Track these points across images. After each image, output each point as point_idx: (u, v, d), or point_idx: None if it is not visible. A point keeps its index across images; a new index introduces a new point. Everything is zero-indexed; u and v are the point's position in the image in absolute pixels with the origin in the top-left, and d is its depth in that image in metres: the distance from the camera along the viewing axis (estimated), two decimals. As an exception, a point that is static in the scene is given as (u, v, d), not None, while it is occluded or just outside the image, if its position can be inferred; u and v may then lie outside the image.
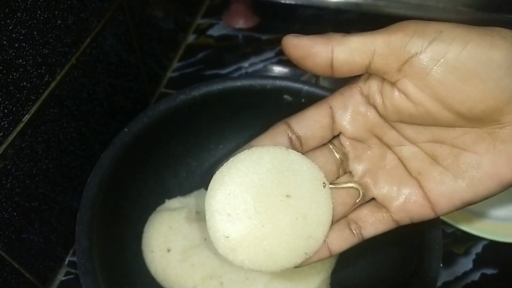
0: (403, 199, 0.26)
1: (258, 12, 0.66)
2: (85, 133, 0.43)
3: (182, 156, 0.46)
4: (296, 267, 0.25)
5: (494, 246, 0.46)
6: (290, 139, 0.26)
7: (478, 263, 0.45)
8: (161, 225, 0.40)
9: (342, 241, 0.26)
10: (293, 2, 0.64)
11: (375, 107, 0.25)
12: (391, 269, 0.37)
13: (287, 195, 0.24)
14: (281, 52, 0.62)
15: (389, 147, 0.26)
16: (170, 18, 0.59)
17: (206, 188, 0.45)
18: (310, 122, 0.26)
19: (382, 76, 0.24)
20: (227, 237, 0.24)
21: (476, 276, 0.44)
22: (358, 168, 0.27)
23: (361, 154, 0.27)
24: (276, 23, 0.66)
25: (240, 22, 0.66)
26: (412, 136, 0.25)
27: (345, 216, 0.27)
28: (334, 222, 0.26)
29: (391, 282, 0.37)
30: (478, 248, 0.46)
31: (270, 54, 0.63)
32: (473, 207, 0.47)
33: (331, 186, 0.26)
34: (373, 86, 0.25)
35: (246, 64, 0.62)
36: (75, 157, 0.42)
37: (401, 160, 0.26)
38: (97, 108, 0.44)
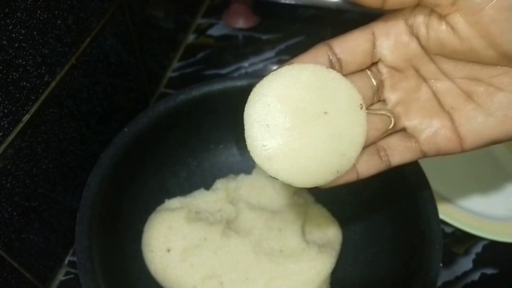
0: (433, 131, 0.26)
1: (258, 12, 0.66)
2: (85, 133, 0.43)
3: (182, 156, 0.46)
4: (324, 187, 0.26)
5: (494, 246, 0.46)
6: (330, 61, 0.26)
7: (478, 263, 0.45)
8: (161, 225, 0.40)
9: (371, 165, 0.27)
10: (293, 2, 0.64)
11: (417, 38, 0.25)
12: (391, 269, 0.37)
13: (325, 112, 0.25)
14: (281, 52, 0.63)
15: (425, 79, 0.27)
16: (170, 18, 0.59)
17: (206, 188, 0.45)
18: (351, 46, 0.26)
19: (433, 8, 0.24)
20: (265, 146, 0.24)
21: (476, 276, 0.44)
22: (392, 97, 0.27)
23: (397, 84, 0.27)
24: (276, 23, 0.66)
25: (240, 22, 0.66)
26: (450, 71, 0.26)
27: (375, 142, 0.27)
28: (364, 146, 0.26)
29: (391, 282, 0.37)
30: (478, 248, 0.46)
31: (270, 54, 0.63)
32: (473, 207, 0.48)
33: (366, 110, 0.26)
34: (419, 17, 0.25)
35: (246, 64, 0.62)
36: (75, 157, 0.42)
37: (435, 94, 0.26)
38: (97, 108, 0.44)
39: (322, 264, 0.39)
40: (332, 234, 0.42)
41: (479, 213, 0.47)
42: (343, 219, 0.44)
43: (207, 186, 0.46)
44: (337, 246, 0.42)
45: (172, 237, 0.40)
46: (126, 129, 0.39)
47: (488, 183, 0.50)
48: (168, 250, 0.39)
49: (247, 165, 0.46)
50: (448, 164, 0.51)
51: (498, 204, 0.49)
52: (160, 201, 0.44)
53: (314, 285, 0.38)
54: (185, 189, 0.45)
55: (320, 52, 0.26)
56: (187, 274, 0.39)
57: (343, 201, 0.44)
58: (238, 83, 0.42)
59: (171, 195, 0.44)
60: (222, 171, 0.47)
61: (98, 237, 0.34)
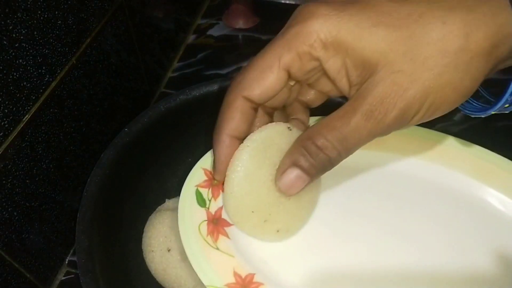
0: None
1: (258, 12, 0.66)
2: (85, 133, 0.43)
3: (182, 156, 0.46)
4: None
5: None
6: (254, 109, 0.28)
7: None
8: (161, 225, 0.40)
9: None
10: (293, 2, 0.64)
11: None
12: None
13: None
14: (281, 52, 0.63)
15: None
16: (170, 18, 0.59)
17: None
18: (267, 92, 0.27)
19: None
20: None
21: (476, 276, 0.44)
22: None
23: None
24: (276, 23, 0.66)
25: (240, 22, 0.66)
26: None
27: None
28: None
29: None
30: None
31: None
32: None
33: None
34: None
35: (246, 64, 0.62)
36: (75, 157, 0.42)
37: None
38: (97, 108, 0.44)
39: None
40: None
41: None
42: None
43: None
44: None
45: (172, 237, 0.40)
46: (126, 129, 0.39)
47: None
48: (169, 250, 0.39)
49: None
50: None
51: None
52: (161, 201, 0.44)
53: None
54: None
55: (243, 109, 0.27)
56: (187, 274, 0.39)
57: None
58: (238, 83, 0.42)
59: (171, 195, 0.44)
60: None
61: (98, 237, 0.34)
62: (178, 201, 0.43)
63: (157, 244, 0.40)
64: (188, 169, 0.47)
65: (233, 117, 0.27)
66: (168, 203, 0.43)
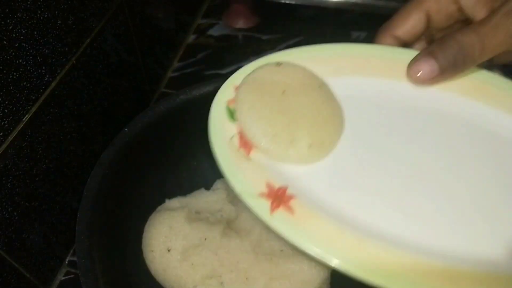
0: None
1: (258, 12, 0.66)
2: (85, 133, 0.43)
3: (182, 156, 0.46)
4: None
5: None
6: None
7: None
8: (161, 225, 0.40)
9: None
10: (293, 2, 0.64)
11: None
12: None
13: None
14: (281, 52, 0.63)
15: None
16: (170, 18, 0.59)
17: (207, 188, 0.45)
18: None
19: None
20: None
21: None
22: None
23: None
24: (276, 23, 0.66)
25: (240, 22, 0.66)
26: None
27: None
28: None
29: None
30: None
31: (270, 54, 0.62)
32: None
33: None
34: None
35: (246, 64, 0.62)
36: (75, 157, 0.42)
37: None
38: (97, 108, 0.44)
39: (322, 264, 0.39)
40: None
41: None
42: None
43: (207, 186, 0.46)
44: None
45: (172, 237, 0.40)
46: (126, 129, 0.39)
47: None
48: (169, 250, 0.39)
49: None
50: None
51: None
52: (160, 201, 0.44)
53: (315, 285, 0.38)
54: (185, 189, 0.45)
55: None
56: (187, 274, 0.39)
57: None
58: (238, 83, 0.42)
59: (171, 195, 0.44)
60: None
61: (98, 237, 0.34)
62: (178, 201, 0.43)
63: (157, 244, 0.40)
64: (189, 169, 0.47)
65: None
66: (168, 203, 0.43)
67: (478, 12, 0.29)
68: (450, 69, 0.28)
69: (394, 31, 0.31)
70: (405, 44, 0.32)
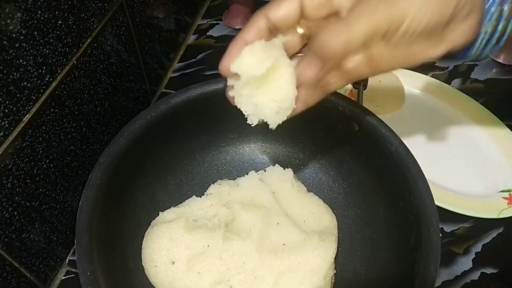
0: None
1: (258, 12, 0.66)
2: (86, 133, 0.43)
3: (183, 156, 0.46)
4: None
5: (493, 244, 0.46)
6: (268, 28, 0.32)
7: (478, 262, 0.45)
8: (161, 239, 0.40)
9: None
10: (293, 3, 0.63)
11: None
12: (391, 269, 0.37)
13: None
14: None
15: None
16: (170, 18, 0.60)
17: (197, 195, 0.44)
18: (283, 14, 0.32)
19: None
20: None
21: (475, 276, 0.44)
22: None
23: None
24: (276, 23, 0.66)
25: (240, 22, 0.66)
26: None
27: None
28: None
29: (391, 282, 0.37)
30: (478, 248, 0.46)
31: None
32: (454, 187, 0.50)
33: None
34: None
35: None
36: (75, 157, 0.42)
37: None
38: (98, 108, 0.44)
39: (325, 251, 0.39)
40: (327, 220, 0.43)
41: (460, 192, 0.50)
42: (334, 206, 0.45)
43: (198, 193, 0.45)
44: (335, 231, 0.42)
45: (174, 249, 0.39)
46: (126, 129, 0.39)
47: (466, 164, 0.53)
48: (173, 263, 0.39)
49: (239, 168, 0.48)
50: (427, 147, 0.55)
51: (477, 183, 0.51)
52: (161, 201, 0.44)
53: (322, 272, 0.38)
54: (185, 190, 0.45)
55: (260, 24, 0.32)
56: (195, 283, 0.38)
57: (331, 188, 0.45)
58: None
59: (163, 207, 0.44)
60: (216, 175, 0.47)
61: (98, 237, 0.34)
62: (172, 212, 0.43)
63: (160, 258, 0.39)
64: (190, 169, 0.47)
65: (250, 29, 0.32)
66: (163, 215, 0.42)
67: (344, 2, 0.30)
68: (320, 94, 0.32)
69: (269, 13, 0.32)
70: (278, 30, 0.32)
